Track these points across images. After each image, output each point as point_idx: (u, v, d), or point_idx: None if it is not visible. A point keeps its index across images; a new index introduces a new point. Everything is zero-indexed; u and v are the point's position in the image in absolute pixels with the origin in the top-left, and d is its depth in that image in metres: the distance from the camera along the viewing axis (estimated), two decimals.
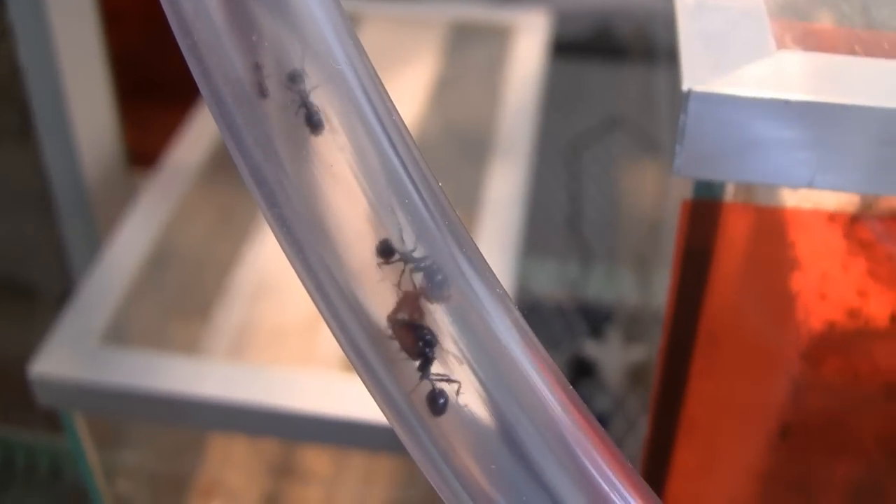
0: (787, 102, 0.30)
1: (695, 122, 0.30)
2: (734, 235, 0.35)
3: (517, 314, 0.23)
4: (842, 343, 0.37)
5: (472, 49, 0.86)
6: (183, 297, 0.68)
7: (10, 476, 0.82)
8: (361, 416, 0.55)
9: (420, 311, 0.22)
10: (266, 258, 0.69)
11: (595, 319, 0.91)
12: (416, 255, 0.22)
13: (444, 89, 0.82)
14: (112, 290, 0.62)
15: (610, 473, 0.23)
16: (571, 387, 0.24)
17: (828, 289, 0.38)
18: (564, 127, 1.04)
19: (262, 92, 0.22)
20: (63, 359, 0.58)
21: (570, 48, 1.07)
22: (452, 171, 0.74)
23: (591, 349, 0.83)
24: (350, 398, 0.56)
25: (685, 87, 0.30)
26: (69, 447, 0.66)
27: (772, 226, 0.37)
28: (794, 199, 0.37)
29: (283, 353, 0.62)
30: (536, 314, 0.93)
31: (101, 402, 0.58)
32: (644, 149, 0.99)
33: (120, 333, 0.60)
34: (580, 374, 0.83)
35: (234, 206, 0.72)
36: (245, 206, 0.72)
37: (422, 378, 0.22)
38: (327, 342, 0.61)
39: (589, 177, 1.02)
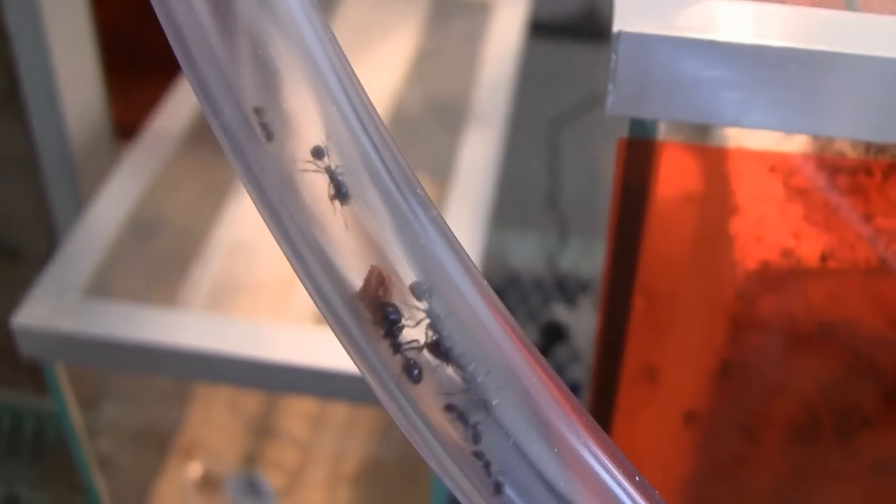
0: (712, 43, 0.32)
1: (625, 62, 0.32)
2: (671, 174, 0.37)
3: (483, 280, 0.24)
4: (776, 282, 0.39)
5: (452, 23, 0.88)
6: (163, 254, 0.70)
7: None
8: (334, 366, 0.57)
9: (386, 288, 0.23)
10: (244, 219, 0.71)
11: (570, 290, 0.93)
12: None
13: (423, 61, 0.84)
14: (94, 247, 0.64)
15: (573, 422, 0.24)
16: (540, 353, 0.25)
17: (764, 231, 0.40)
18: (547, 105, 1.06)
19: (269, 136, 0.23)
20: (45, 310, 0.60)
21: (555, 29, 1.09)
22: (429, 139, 0.76)
23: (563, 314, 0.85)
24: (324, 349, 0.58)
25: (616, 28, 0.32)
26: (53, 404, 0.68)
27: (711, 169, 0.38)
28: (735, 144, 0.39)
29: (258, 307, 0.64)
30: (515, 287, 0.95)
31: (81, 353, 0.60)
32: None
33: (101, 287, 0.62)
34: (553, 339, 0.85)
35: (215, 170, 0.74)
36: (225, 171, 0.74)
37: (395, 352, 0.23)
38: (301, 298, 0.63)
39: (569, 153, 1.04)
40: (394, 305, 0.23)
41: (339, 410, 0.80)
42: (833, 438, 0.44)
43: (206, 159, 0.74)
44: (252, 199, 0.25)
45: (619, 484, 0.24)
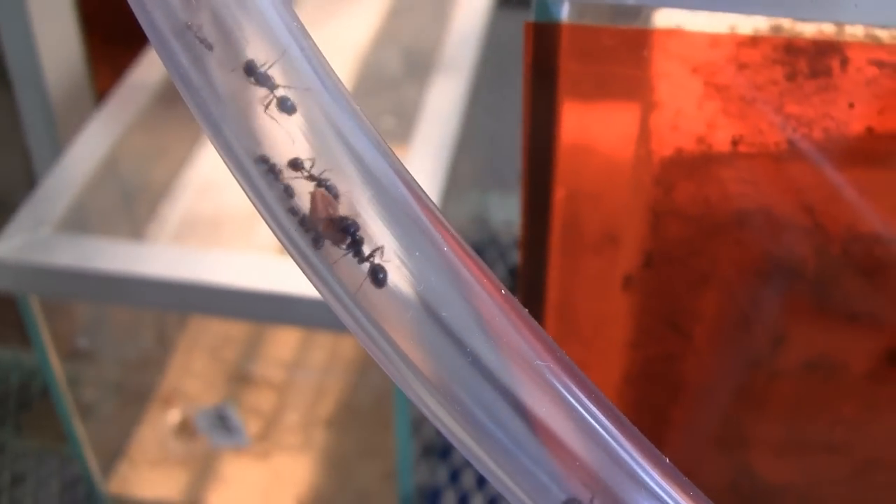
0: None
1: None
2: (583, 60, 0.39)
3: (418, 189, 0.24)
4: (690, 167, 0.41)
5: None
6: (135, 195, 0.72)
7: None
8: (295, 292, 0.59)
9: (333, 205, 0.23)
10: (212, 161, 0.73)
11: None
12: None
13: (395, 16, 0.86)
14: (69, 187, 0.66)
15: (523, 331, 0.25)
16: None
17: (680, 122, 0.41)
18: None
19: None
20: (19, 244, 0.62)
21: None
22: (398, 88, 0.78)
23: None
24: (283, 276, 0.60)
25: None
26: (36, 355, 0.70)
27: (626, 56, 0.40)
28: (655, 31, 0.40)
29: (223, 240, 0.67)
30: (494, 245, 0.96)
31: (54, 284, 0.62)
32: None
33: (74, 223, 0.64)
34: None
35: (188, 120, 0.76)
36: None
37: (360, 261, 0.23)
38: (264, 231, 0.65)
39: None
40: (350, 219, 0.23)
41: (315, 358, 0.81)
42: (761, 332, 0.45)
43: (180, 110, 0.76)
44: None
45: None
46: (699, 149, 0.40)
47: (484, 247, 0.95)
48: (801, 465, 0.51)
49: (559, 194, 0.42)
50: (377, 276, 0.23)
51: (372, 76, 0.79)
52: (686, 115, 0.41)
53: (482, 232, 0.97)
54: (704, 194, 0.41)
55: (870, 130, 0.39)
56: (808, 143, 0.40)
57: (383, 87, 0.79)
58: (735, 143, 0.40)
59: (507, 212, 1.00)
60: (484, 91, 0.82)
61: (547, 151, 0.41)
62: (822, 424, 0.49)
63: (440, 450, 0.82)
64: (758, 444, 0.51)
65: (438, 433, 0.87)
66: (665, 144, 0.41)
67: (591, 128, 0.41)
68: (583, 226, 0.43)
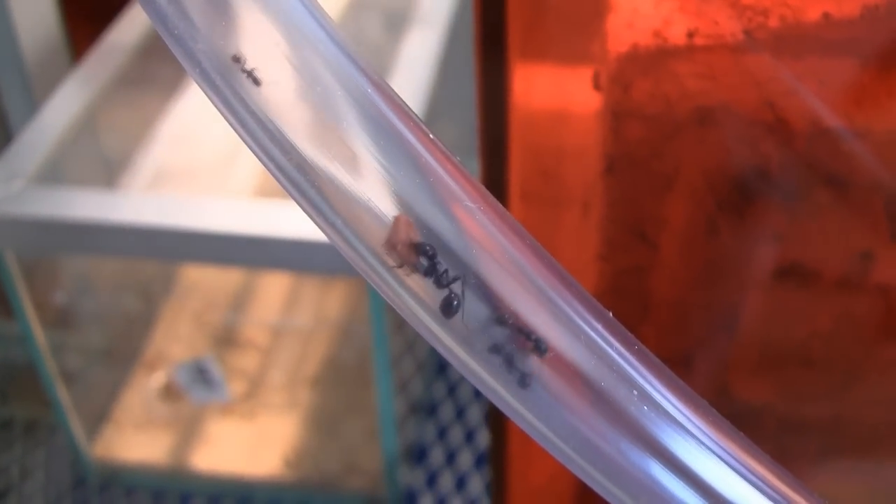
0: None
1: None
2: None
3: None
4: (647, 63, 0.40)
5: None
6: (110, 148, 0.72)
7: None
8: (271, 233, 0.59)
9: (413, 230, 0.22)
10: (186, 113, 0.73)
11: None
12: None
13: None
14: (44, 141, 0.66)
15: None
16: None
17: (636, 20, 0.41)
18: None
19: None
20: None
21: None
22: (376, 45, 0.78)
23: None
24: (263, 218, 0.59)
25: None
26: (16, 319, 0.70)
27: None
28: None
29: (197, 187, 0.66)
30: None
31: (28, 237, 0.62)
32: None
33: (49, 177, 0.64)
34: None
35: (168, 78, 0.76)
36: (176, 76, 0.76)
37: (440, 287, 0.22)
38: (239, 176, 0.65)
39: None
40: (427, 244, 0.22)
41: (298, 318, 0.81)
42: (728, 238, 0.45)
43: (155, 69, 0.76)
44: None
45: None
46: (655, 42, 0.40)
47: None
48: (779, 383, 0.51)
49: (518, 101, 0.41)
50: (451, 305, 0.22)
51: (348, 32, 0.79)
52: (642, 14, 0.41)
53: None
54: (663, 92, 0.41)
55: (826, 17, 0.39)
56: (764, 32, 0.39)
57: (360, 45, 0.79)
58: (691, 35, 0.40)
59: None
60: (468, 60, 0.81)
61: (499, 60, 0.40)
62: (798, 338, 0.48)
63: (427, 407, 0.81)
64: (733, 362, 0.50)
65: (425, 390, 0.86)
66: (621, 42, 0.40)
67: (545, 26, 0.40)
68: (543, 134, 0.43)
